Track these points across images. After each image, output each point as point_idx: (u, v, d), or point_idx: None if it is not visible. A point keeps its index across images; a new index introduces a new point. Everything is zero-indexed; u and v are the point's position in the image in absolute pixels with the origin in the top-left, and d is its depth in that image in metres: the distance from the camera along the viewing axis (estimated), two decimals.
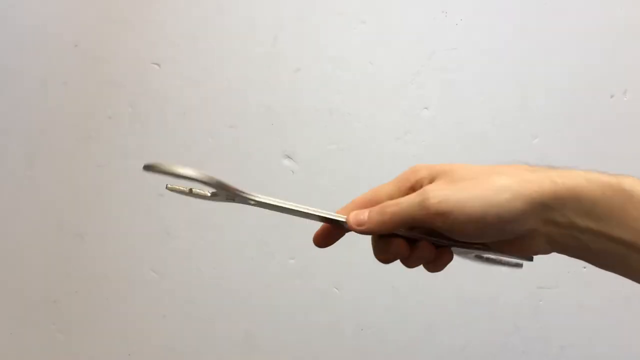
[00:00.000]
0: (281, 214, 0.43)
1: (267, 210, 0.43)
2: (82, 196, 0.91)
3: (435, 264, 0.43)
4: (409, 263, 0.43)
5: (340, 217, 0.42)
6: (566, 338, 0.88)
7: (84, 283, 0.91)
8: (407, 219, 0.40)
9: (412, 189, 0.41)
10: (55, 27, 0.91)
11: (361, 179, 0.88)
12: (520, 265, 0.42)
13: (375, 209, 0.41)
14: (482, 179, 0.38)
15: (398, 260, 0.44)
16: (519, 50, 0.88)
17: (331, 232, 0.45)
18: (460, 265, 0.93)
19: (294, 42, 0.89)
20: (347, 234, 0.45)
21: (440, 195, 0.38)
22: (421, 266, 0.44)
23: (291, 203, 0.43)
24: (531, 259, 0.42)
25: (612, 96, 0.87)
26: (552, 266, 0.86)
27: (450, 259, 0.43)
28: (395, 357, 0.89)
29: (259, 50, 0.89)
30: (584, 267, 0.86)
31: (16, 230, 0.92)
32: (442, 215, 0.38)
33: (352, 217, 0.42)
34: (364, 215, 0.41)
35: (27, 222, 0.92)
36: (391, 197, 0.42)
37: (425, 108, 0.88)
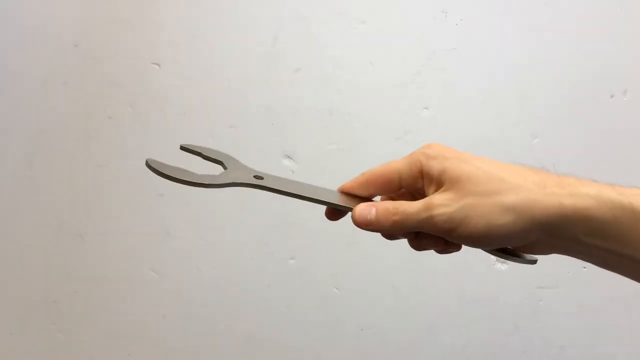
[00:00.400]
0: (291, 199, 0.44)
1: (276, 194, 0.43)
2: (82, 196, 0.91)
3: (445, 250, 0.43)
4: (417, 247, 0.43)
5: (347, 208, 0.43)
6: (566, 338, 0.88)
7: (84, 283, 0.91)
8: (412, 228, 0.40)
9: (421, 173, 0.42)
10: (55, 27, 0.91)
11: None
12: (534, 262, 0.42)
13: (382, 212, 0.41)
14: (488, 195, 0.38)
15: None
16: (519, 50, 0.88)
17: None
18: (460, 266, 0.93)
19: (294, 42, 0.89)
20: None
21: (446, 213, 0.38)
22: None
23: (299, 187, 0.43)
24: (535, 262, 0.42)
25: (612, 96, 0.87)
26: (552, 266, 0.86)
27: (459, 247, 0.43)
28: (396, 357, 0.89)
29: (259, 50, 0.89)
30: (584, 267, 0.86)
31: (16, 230, 0.92)
32: (447, 230, 0.39)
33: (359, 214, 0.42)
34: (371, 215, 0.41)
35: (27, 222, 0.92)
36: (401, 176, 0.42)
37: (425, 108, 0.88)
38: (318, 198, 0.43)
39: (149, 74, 0.90)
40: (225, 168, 0.45)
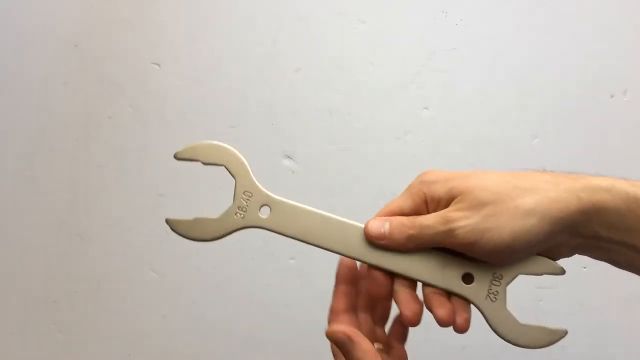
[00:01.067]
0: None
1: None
2: (82, 196, 0.91)
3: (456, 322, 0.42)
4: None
5: (357, 224, 0.40)
6: (566, 338, 0.88)
7: (84, 283, 0.91)
8: (430, 243, 0.39)
9: (426, 203, 0.40)
10: (55, 27, 0.91)
11: (361, 179, 0.87)
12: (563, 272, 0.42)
13: (397, 225, 0.39)
14: (506, 202, 0.36)
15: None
16: (519, 50, 0.88)
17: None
18: None
19: (294, 42, 0.89)
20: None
21: (467, 226, 0.37)
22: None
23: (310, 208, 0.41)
24: (563, 272, 0.41)
25: (612, 96, 0.87)
26: None
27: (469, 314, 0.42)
28: None
29: (259, 50, 0.89)
30: (584, 267, 0.86)
31: (16, 230, 0.92)
32: (469, 245, 0.37)
33: (373, 227, 0.40)
34: (384, 228, 0.39)
35: (27, 222, 0.92)
36: (403, 212, 0.40)
37: (425, 108, 0.88)
38: (328, 216, 0.41)
39: (149, 74, 0.90)
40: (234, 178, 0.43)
